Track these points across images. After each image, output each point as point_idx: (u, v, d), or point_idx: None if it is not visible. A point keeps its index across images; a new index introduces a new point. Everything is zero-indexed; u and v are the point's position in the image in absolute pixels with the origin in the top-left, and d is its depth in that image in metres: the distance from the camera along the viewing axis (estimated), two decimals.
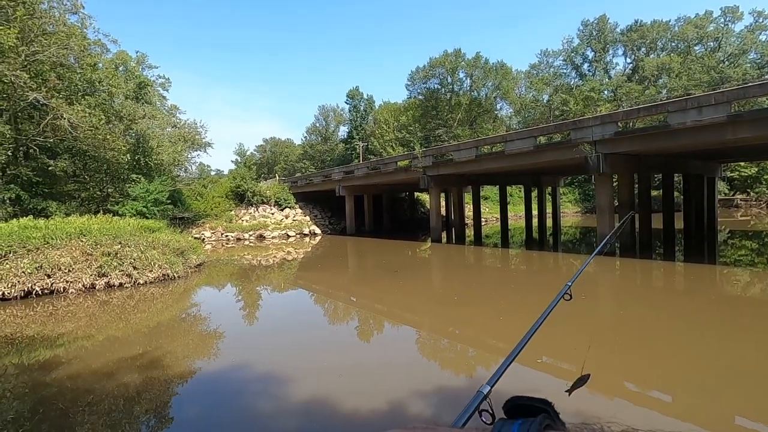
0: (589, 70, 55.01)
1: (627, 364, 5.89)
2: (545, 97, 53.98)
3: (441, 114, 52.20)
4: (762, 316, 8.18)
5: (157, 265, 12.78)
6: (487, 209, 39.77)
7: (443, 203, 30.94)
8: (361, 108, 64.04)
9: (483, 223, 30.60)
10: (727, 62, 45.91)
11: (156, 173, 24.76)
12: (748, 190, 42.20)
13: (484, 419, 0.78)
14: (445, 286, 12.92)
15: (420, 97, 55.32)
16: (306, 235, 30.42)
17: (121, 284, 11.91)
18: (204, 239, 26.51)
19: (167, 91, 33.21)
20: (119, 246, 12.47)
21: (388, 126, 54.55)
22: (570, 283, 1.25)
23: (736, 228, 24.93)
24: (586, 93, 47.56)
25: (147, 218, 19.41)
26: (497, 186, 29.31)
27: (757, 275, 11.88)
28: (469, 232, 26.67)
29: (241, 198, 31.91)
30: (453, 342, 7.42)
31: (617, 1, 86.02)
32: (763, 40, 47.02)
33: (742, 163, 39.19)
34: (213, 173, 62.90)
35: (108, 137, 19.45)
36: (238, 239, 28.17)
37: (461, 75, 52.99)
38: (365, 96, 64.56)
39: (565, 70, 56.56)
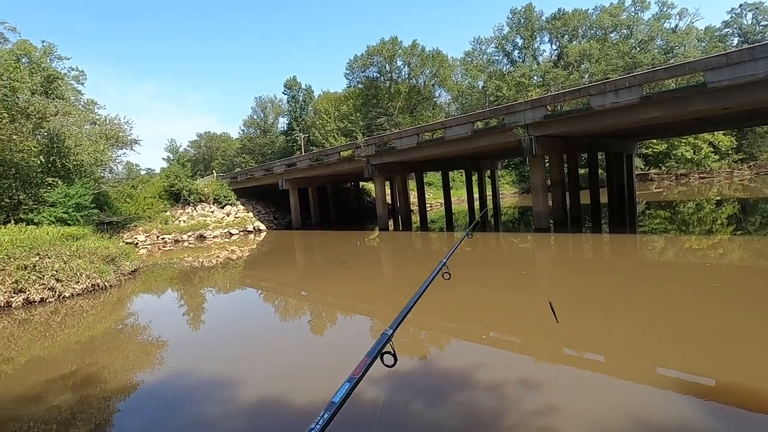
0: (519, 57, 57.63)
1: (565, 329, 6.35)
2: (480, 84, 55.86)
3: (381, 102, 52.33)
4: (677, 277, 9.15)
5: (84, 275, 11.73)
6: (431, 195, 40.72)
7: (389, 191, 31.22)
8: (300, 98, 62.56)
9: (428, 209, 31.33)
10: (638, 48, 50.10)
11: (76, 175, 22.56)
12: (660, 164, 46.75)
13: (385, 362, 0.87)
14: (396, 273, 13.11)
15: (360, 86, 55.02)
16: (250, 231, 29.40)
17: (42, 299, 10.81)
18: (137, 244, 24.73)
19: (82, 84, 30.15)
20: (37, 258, 11.28)
21: (328, 116, 53.79)
22: (445, 260, 1.32)
23: (652, 199, 27.58)
24: (517, 79, 49.84)
25: (69, 225, 17.71)
26: (440, 172, 30.05)
27: (670, 240, 13.26)
28: (416, 219, 27.20)
29: (176, 197, 30.06)
30: (405, 327, 7.57)
31: None
32: (668, 27, 51.85)
33: (654, 141, 43.27)
34: (143, 173, 58.71)
35: (14, 137, 17.38)
36: (176, 241, 26.60)
37: (399, 63, 53.36)
38: (304, 86, 63.12)
39: (497, 57, 58.84)
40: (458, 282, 10.25)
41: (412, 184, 30.37)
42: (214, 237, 27.60)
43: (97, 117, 25.87)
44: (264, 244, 23.57)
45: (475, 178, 30.07)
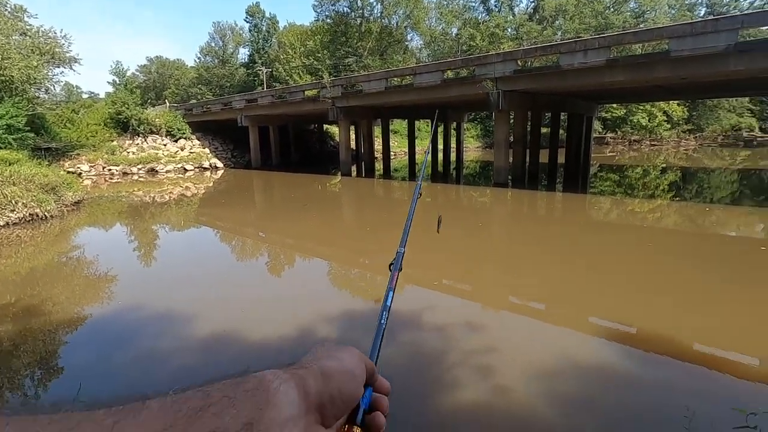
0: (495, 6, 55.77)
1: (511, 280, 6.76)
2: (454, 31, 54.03)
3: (351, 42, 49.65)
4: (616, 236, 9.85)
5: (21, 204, 10.94)
6: (396, 143, 40.33)
7: (353, 136, 30.56)
8: (263, 28, 58.02)
9: (392, 157, 31.15)
10: (612, 9, 49.79)
11: (6, 93, 20.25)
12: (617, 129, 48.46)
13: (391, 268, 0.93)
14: (357, 219, 13.19)
15: (329, 20, 51.60)
16: (206, 168, 28.17)
17: None
18: (81, 174, 23.11)
19: None
20: None
21: (294, 51, 50.57)
22: (419, 184, 1.37)
23: (605, 162, 28.85)
24: (492, 29, 48.55)
25: None
26: (406, 120, 29.61)
27: (616, 202, 14.10)
28: (379, 166, 27.05)
29: (124, 127, 27.91)
30: (363, 271, 7.76)
31: None
32: None
33: (615, 105, 44.44)
34: (85, 96, 53.65)
35: None
36: (125, 174, 25.09)
37: None
38: (268, 15, 58.35)
39: (473, 4, 56.63)
40: (416, 231, 10.48)
41: (377, 131, 29.85)
42: (167, 172, 26.26)
43: (28, 27, 22.83)
44: (221, 182, 22.76)
45: (440, 128, 29.94)
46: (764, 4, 50.08)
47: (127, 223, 12.72)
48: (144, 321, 5.35)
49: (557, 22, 49.44)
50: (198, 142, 30.07)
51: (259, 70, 51.92)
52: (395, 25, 52.41)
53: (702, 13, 52.13)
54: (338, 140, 26.38)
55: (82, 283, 7.10)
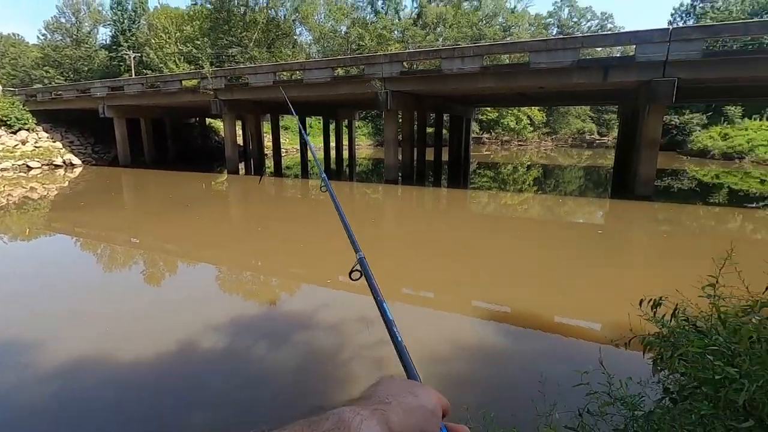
0: (382, 8, 57.61)
1: (401, 271, 7.09)
2: (343, 29, 54.40)
3: (234, 31, 46.63)
4: (491, 226, 10.97)
5: None
6: (287, 140, 39.16)
7: (240, 132, 28.86)
8: (129, 7, 51.30)
9: (283, 154, 30.23)
10: (484, 21, 55.16)
11: None
12: (491, 130, 54.02)
13: (353, 277, 0.88)
14: (246, 219, 12.49)
15: (208, 5, 47.76)
16: (59, 166, 23.97)
17: None
18: None
19: None
20: None
21: (168, 36, 45.67)
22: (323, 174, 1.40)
23: (482, 160, 31.93)
24: (379, 30, 50.06)
25: None
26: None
27: (492, 196, 15.71)
28: (269, 163, 26.03)
29: None
30: (255, 274, 7.39)
31: None
32: (508, 7, 58.12)
33: (489, 109, 49.43)
34: None
35: None
36: None
37: None
38: None
39: (361, 3, 57.70)
40: (310, 228, 10.35)
41: (266, 127, 28.65)
42: (2, 170, 21.72)
43: None
44: (79, 181, 19.60)
45: (332, 126, 29.96)
46: (599, 28, 60.26)
47: None
48: None
49: (438, 29, 52.98)
50: (46, 135, 25.41)
51: (126, 54, 45.90)
52: (283, 17, 50.76)
53: (554, 32, 60.72)
54: (223, 135, 24.67)
55: None
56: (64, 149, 25.30)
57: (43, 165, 23.37)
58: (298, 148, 29.36)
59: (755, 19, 32.42)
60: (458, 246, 8.83)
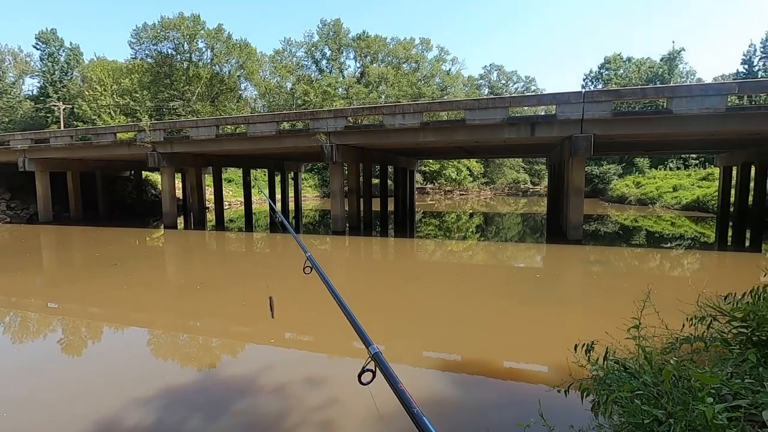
0: (326, 67, 60.23)
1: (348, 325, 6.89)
2: (289, 85, 55.90)
3: (177, 84, 46.29)
4: (439, 274, 11.14)
5: None
6: (230, 192, 38.24)
7: (179, 185, 27.80)
8: (61, 59, 49.51)
9: (227, 207, 29.36)
10: (423, 81, 59.30)
11: None
12: (434, 180, 56.49)
13: (363, 380, 0.75)
14: (184, 276, 11.73)
15: (149, 60, 47.34)
16: None
17: None
18: None
19: None
20: None
21: (104, 88, 44.27)
22: (306, 254, 1.35)
23: (427, 209, 32.97)
24: (324, 87, 51.97)
25: None
26: (241, 169, 28.58)
27: (437, 244, 16.09)
28: (211, 217, 25.09)
29: None
30: (194, 336, 6.84)
31: (349, 12, 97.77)
32: (444, 69, 63.18)
33: (431, 161, 51.97)
34: None
35: None
36: None
37: (201, 45, 48.39)
38: (68, 44, 50.23)
39: (306, 62, 60.03)
40: (256, 283, 9.90)
41: (208, 179, 27.88)
42: None
43: None
44: None
45: (278, 178, 29.81)
46: (524, 89, 66.86)
47: None
48: None
49: (380, 87, 56.03)
50: None
51: (55, 105, 43.60)
52: (227, 73, 51.36)
53: (486, 92, 66.46)
54: (161, 189, 23.60)
55: None
56: None
57: None
58: (242, 200, 28.64)
59: (650, 85, 37.81)
60: (405, 295, 8.82)
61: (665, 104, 13.01)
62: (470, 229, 21.22)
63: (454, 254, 14.25)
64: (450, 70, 64.46)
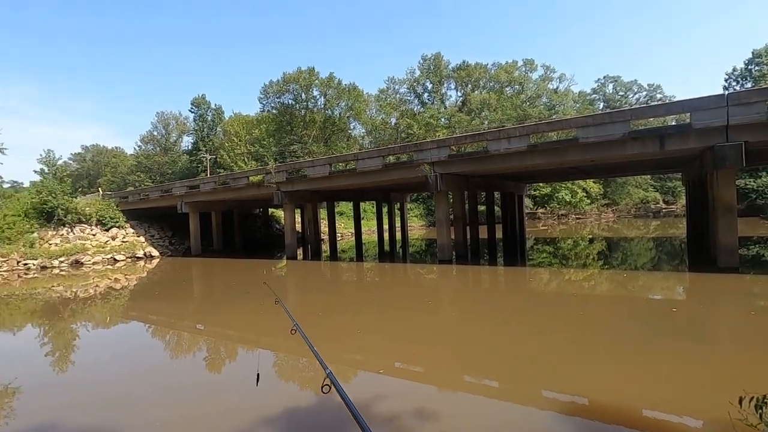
0: (428, 99, 61.98)
1: (464, 357, 6.67)
2: (393, 120, 58.67)
3: (296, 130, 52.02)
4: (559, 307, 10.24)
5: None
6: (342, 225, 40.84)
7: (299, 219, 30.63)
8: (209, 118, 59.47)
9: (339, 239, 31.33)
10: (528, 103, 57.17)
11: None
12: (546, 205, 52.92)
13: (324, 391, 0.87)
14: (305, 303, 12.71)
15: (274, 111, 54.24)
16: (140, 258, 26.42)
17: None
18: None
19: None
20: None
21: (239, 138, 51.82)
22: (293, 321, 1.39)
23: (539, 235, 30.91)
24: (426, 119, 53.35)
25: None
26: (351, 202, 30.43)
27: (554, 273, 14.88)
28: (326, 248, 26.94)
29: (48, 217, 26.00)
30: (310, 359, 7.31)
31: (449, 43, 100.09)
32: (551, 88, 60.17)
33: (541, 184, 49.01)
34: (7, 186, 50.18)
35: None
36: (44, 268, 22.83)
37: (315, 93, 53.90)
38: (213, 105, 60.26)
39: (409, 98, 62.62)
40: (369, 311, 10.25)
41: (323, 213, 30.23)
42: (94, 263, 24.26)
43: None
44: (155, 272, 21.32)
45: (385, 209, 30.98)
46: (648, 99, 59.96)
47: (40, 323, 11.29)
48: None
49: (483, 113, 55.45)
50: (132, 231, 28.50)
51: (203, 157, 52.08)
52: (338, 115, 55.99)
53: (600, 106, 61.19)
54: (284, 223, 26.27)
55: None
56: (145, 242, 28.06)
57: (127, 257, 25.88)
58: (353, 231, 30.32)
59: None
60: (518, 329, 8.26)
61: None
62: (591, 256, 19.22)
63: (573, 284, 12.99)
64: (558, 87, 61.18)
